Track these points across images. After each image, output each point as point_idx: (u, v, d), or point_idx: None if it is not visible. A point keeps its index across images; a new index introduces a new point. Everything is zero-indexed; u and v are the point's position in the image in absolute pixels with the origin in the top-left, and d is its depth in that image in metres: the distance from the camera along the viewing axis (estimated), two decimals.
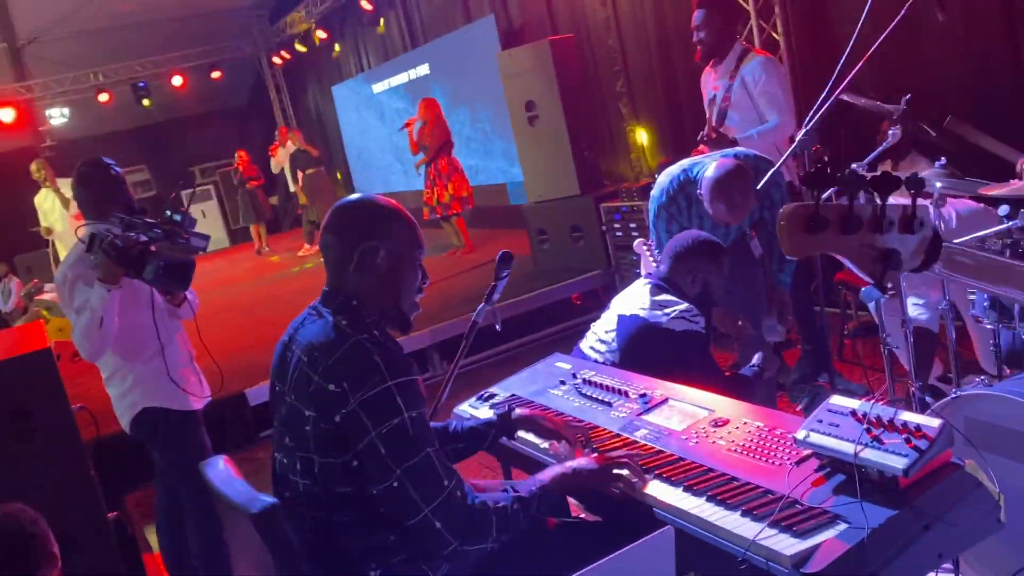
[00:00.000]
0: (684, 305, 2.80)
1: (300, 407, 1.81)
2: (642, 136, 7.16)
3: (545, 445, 2.26)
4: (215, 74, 14.21)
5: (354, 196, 1.99)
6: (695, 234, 2.97)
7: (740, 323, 3.27)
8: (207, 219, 15.77)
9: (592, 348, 2.98)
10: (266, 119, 15.90)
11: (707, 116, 4.59)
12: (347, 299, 1.88)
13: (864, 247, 1.11)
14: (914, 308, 3.43)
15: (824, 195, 1.11)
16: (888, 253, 1.12)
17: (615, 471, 1.95)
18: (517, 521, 1.84)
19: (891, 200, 1.15)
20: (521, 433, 2.30)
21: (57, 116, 13.71)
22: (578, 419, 2.35)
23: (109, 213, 3.14)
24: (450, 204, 8.41)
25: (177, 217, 3.19)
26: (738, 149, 3.56)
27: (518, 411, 2.29)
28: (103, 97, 13.13)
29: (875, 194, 1.11)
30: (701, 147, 4.38)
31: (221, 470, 1.91)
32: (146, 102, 13.51)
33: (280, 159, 11.33)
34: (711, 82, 4.52)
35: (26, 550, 1.95)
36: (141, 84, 13.38)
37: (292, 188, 11.50)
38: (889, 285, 1.15)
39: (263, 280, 10.57)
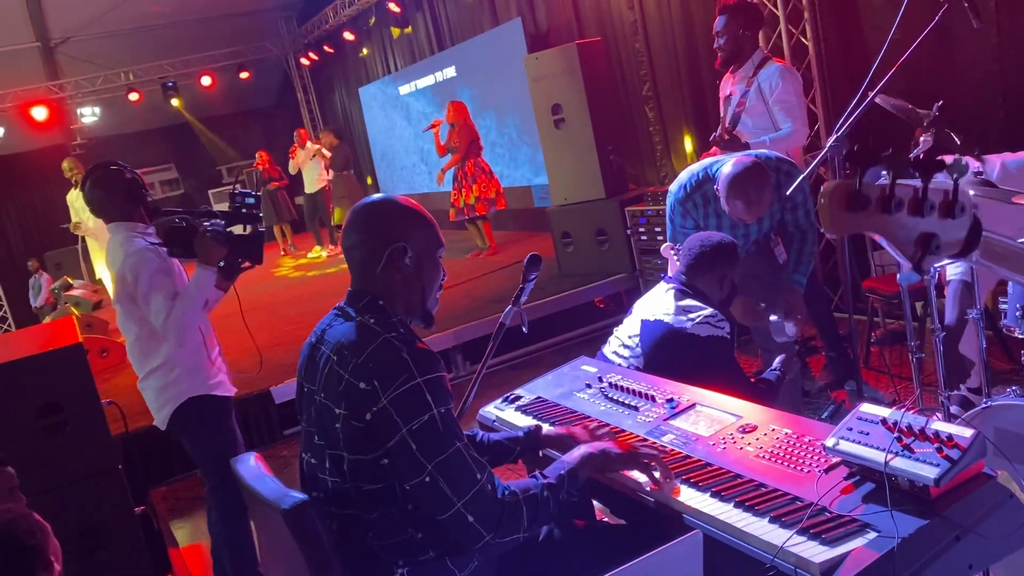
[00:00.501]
0: (709, 310, 2.79)
1: (331, 405, 1.83)
2: (682, 143, 7.13)
3: None
4: (243, 74, 14.35)
5: (376, 197, 2.01)
6: (715, 237, 2.95)
7: (761, 307, 3.24)
8: None
9: (615, 353, 2.98)
10: (293, 119, 16.02)
11: (721, 118, 4.59)
12: (374, 299, 1.91)
13: (903, 229, 1.09)
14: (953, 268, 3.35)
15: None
16: (928, 237, 1.10)
17: (645, 461, 1.95)
18: (548, 508, 1.85)
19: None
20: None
21: (88, 115, 13.89)
22: (604, 423, 2.35)
23: (135, 213, 3.29)
24: (475, 206, 8.44)
25: (251, 200, 3.42)
26: (760, 151, 3.56)
27: (547, 429, 2.29)
28: (133, 96, 13.29)
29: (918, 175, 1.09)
30: (713, 149, 4.39)
31: (252, 467, 1.94)
32: (175, 101, 13.66)
33: (299, 160, 11.33)
34: (729, 86, 4.53)
35: (19, 562, 1.90)
36: (170, 83, 13.53)
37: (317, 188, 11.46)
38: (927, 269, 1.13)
39: (287, 280, 10.65)
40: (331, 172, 10.93)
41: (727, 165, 3.22)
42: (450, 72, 10.93)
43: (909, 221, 1.10)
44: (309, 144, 11.23)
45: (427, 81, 11.55)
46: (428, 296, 2.00)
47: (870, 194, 1.08)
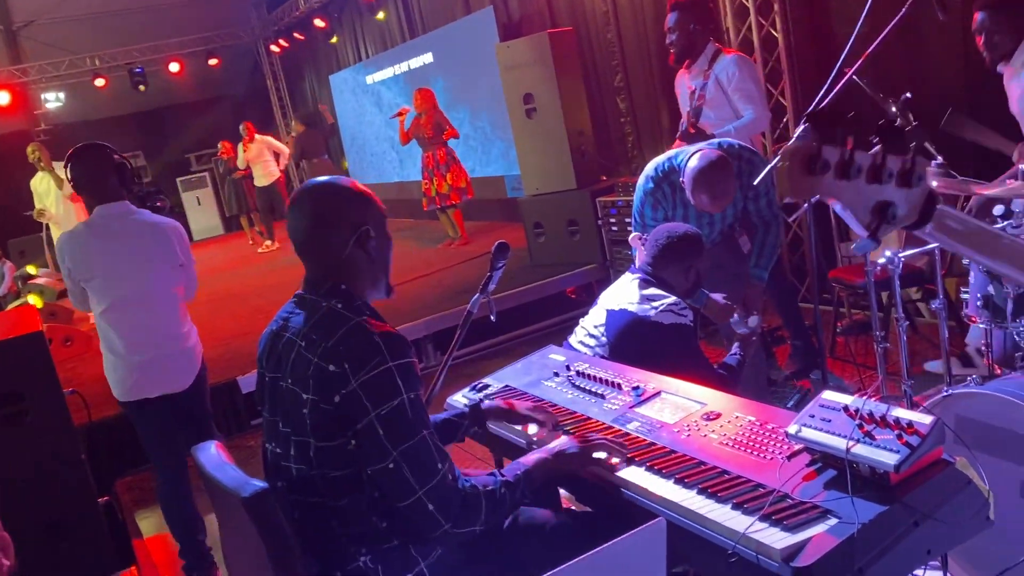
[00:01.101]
0: (672, 299, 2.81)
1: (298, 390, 1.82)
2: (653, 134, 7.14)
3: (520, 429, 2.30)
4: (212, 61, 14.17)
5: (321, 181, 1.96)
6: (681, 228, 2.97)
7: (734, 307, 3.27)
8: (202, 206, 15.74)
9: (581, 343, 2.98)
10: (263, 107, 15.86)
11: (683, 114, 4.63)
12: (336, 284, 1.89)
13: (861, 196, 1.10)
14: None
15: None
16: (885, 205, 1.10)
17: (595, 454, 1.98)
18: (504, 505, 1.86)
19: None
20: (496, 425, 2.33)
21: (53, 100, 13.66)
22: (570, 410, 2.35)
23: (123, 194, 3.41)
24: (449, 195, 8.39)
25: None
26: (723, 140, 3.58)
27: (487, 402, 2.33)
28: (99, 82, 13.08)
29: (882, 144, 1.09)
30: (678, 142, 4.42)
31: (213, 455, 1.91)
32: (142, 87, 13.45)
33: (250, 155, 11.07)
34: (686, 82, 4.57)
35: None
36: (138, 70, 13.33)
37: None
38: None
39: (256, 268, 10.55)
40: (303, 161, 10.77)
41: (692, 158, 3.24)
42: (419, 62, 10.86)
43: (867, 188, 1.10)
44: (258, 137, 11.03)
45: (399, 69, 11.48)
46: (388, 270, 2.01)
47: (830, 159, 1.08)
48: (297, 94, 15.55)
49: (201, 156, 15.99)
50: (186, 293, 3.53)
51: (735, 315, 3.03)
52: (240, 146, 11.11)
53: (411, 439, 1.76)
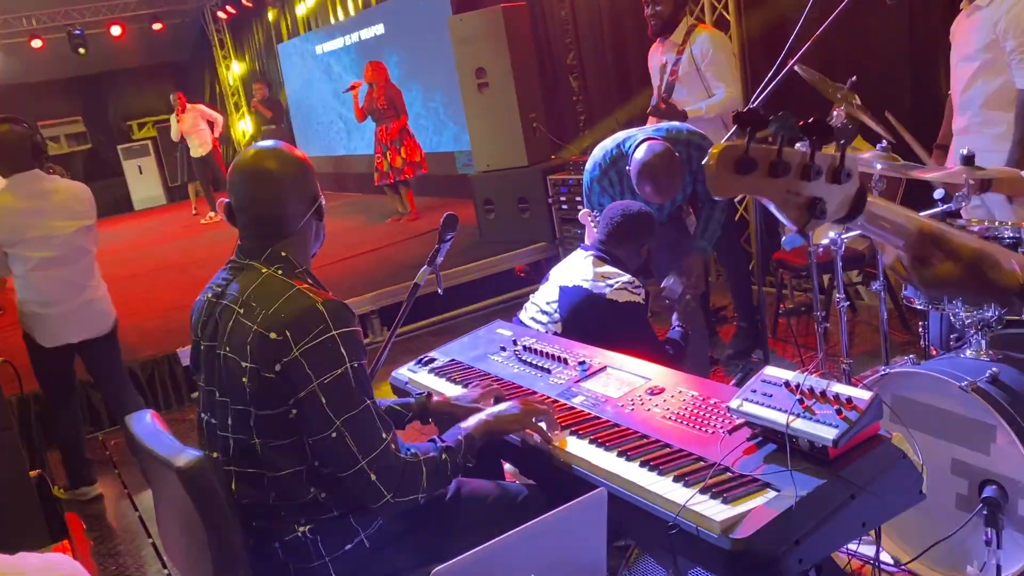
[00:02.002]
0: (627, 277, 2.82)
1: (236, 359, 1.78)
2: (605, 113, 7.14)
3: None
4: (157, 26, 13.75)
5: (275, 148, 1.89)
6: (634, 207, 2.98)
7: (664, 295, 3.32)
8: (144, 175, 15.32)
9: (533, 319, 2.98)
10: (210, 75, 15.48)
11: (655, 88, 4.62)
12: (276, 250, 1.85)
13: (790, 193, 1.10)
14: None
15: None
16: (814, 201, 1.11)
17: (535, 419, 1.98)
18: (445, 471, 1.85)
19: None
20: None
21: None
22: (516, 385, 2.34)
23: (34, 164, 3.77)
24: (403, 168, 8.28)
25: None
26: (672, 124, 3.59)
27: (436, 399, 2.26)
28: (36, 43, 12.61)
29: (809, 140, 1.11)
30: (650, 118, 4.42)
31: (148, 424, 1.86)
32: (82, 51, 13.00)
33: (185, 127, 10.73)
34: (658, 56, 4.56)
35: None
36: (77, 32, 12.87)
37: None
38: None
39: (200, 239, 10.34)
40: (263, 128, 10.52)
41: (639, 149, 3.24)
42: (369, 33, 10.67)
43: (796, 185, 1.11)
44: (189, 106, 10.78)
45: (350, 39, 11.28)
46: (322, 235, 2.00)
47: (757, 158, 1.08)
48: (244, 62, 15.20)
49: (144, 124, 15.57)
50: (95, 248, 4.03)
51: (670, 280, 3.08)
52: (173, 117, 10.85)
53: (354, 408, 1.73)
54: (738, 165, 1.08)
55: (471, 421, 1.98)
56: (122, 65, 14.88)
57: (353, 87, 8.43)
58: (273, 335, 1.72)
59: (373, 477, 1.73)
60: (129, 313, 6.79)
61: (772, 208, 1.12)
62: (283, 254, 1.85)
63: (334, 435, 1.72)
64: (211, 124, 10.85)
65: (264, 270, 1.83)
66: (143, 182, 15.33)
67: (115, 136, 15.34)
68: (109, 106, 15.32)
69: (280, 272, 1.82)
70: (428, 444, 1.87)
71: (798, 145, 1.12)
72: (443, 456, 1.84)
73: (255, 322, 1.75)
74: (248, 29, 14.50)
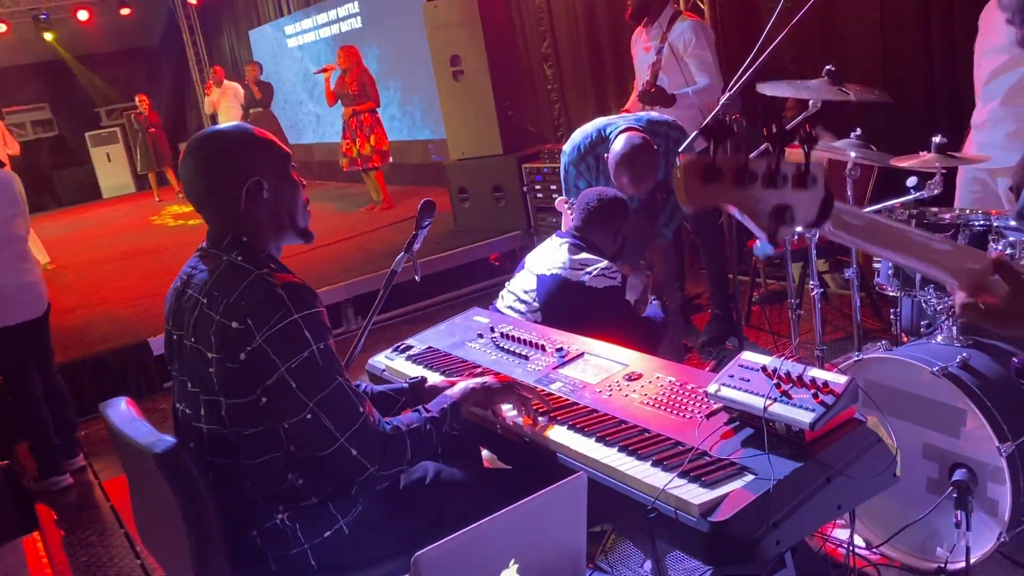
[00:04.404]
0: (604, 263, 2.83)
1: (202, 349, 1.76)
2: (580, 102, 7.13)
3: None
4: (125, 11, 13.54)
5: (205, 134, 1.87)
6: (609, 192, 2.99)
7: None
8: (113, 163, 15.10)
9: (511, 308, 2.98)
10: (179, 61, 15.26)
11: (638, 74, 4.63)
12: (237, 236, 1.83)
13: (758, 201, 1.12)
14: None
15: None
16: (782, 209, 1.13)
17: (521, 392, 2.01)
18: (431, 440, 1.85)
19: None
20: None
21: None
22: (494, 372, 2.34)
23: None
24: (371, 156, 8.23)
25: None
26: (652, 115, 3.60)
27: (432, 381, 2.25)
28: (0, 28, 12.36)
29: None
30: (635, 103, 4.43)
31: (123, 411, 1.84)
32: (48, 36, 12.77)
33: (214, 99, 10.80)
34: (642, 42, 4.57)
35: None
36: (43, 16, 12.64)
37: None
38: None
39: (167, 227, 10.22)
40: (251, 110, 10.44)
41: (618, 140, 3.24)
42: (346, 15, 10.58)
43: (763, 193, 1.12)
44: (226, 83, 10.73)
45: (323, 26, 11.16)
46: (296, 215, 1.90)
47: (724, 167, 1.10)
48: (215, 49, 15.00)
49: (112, 111, 15.33)
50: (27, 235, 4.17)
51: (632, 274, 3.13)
52: (212, 93, 10.89)
53: (326, 388, 1.72)
54: (704, 174, 1.09)
55: (456, 389, 1.99)
56: (90, 50, 14.63)
57: (325, 70, 8.36)
58: (235, 324, 1.70)
59: (354, 452, 1.73)
60: (99, 301, 6.72)
61: (740, 217, 1.14)
62: (244, 239, 1.83)
63: (309, 417, 1.71)
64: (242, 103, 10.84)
65: (225, 258, 1.81)
66: (111, 170, 15.12)
67: (83, 123, 15.09)
68: (76, 93, 15.06)
69: (240, 259, 1.79)
70: (413, 414, 1.88)
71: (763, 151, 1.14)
72: (428, 426, 1.85)
73: (217, 312, 1.73)
74: (218, 15, 14.31)
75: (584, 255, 2.86)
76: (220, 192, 1.81)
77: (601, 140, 3.46)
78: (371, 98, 8.15)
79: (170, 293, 1.93)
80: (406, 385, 2.22)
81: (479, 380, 2.03)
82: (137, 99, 12.01)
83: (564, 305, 2.80)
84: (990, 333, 2.54)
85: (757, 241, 1.14)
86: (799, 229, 1.17)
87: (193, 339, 1.79)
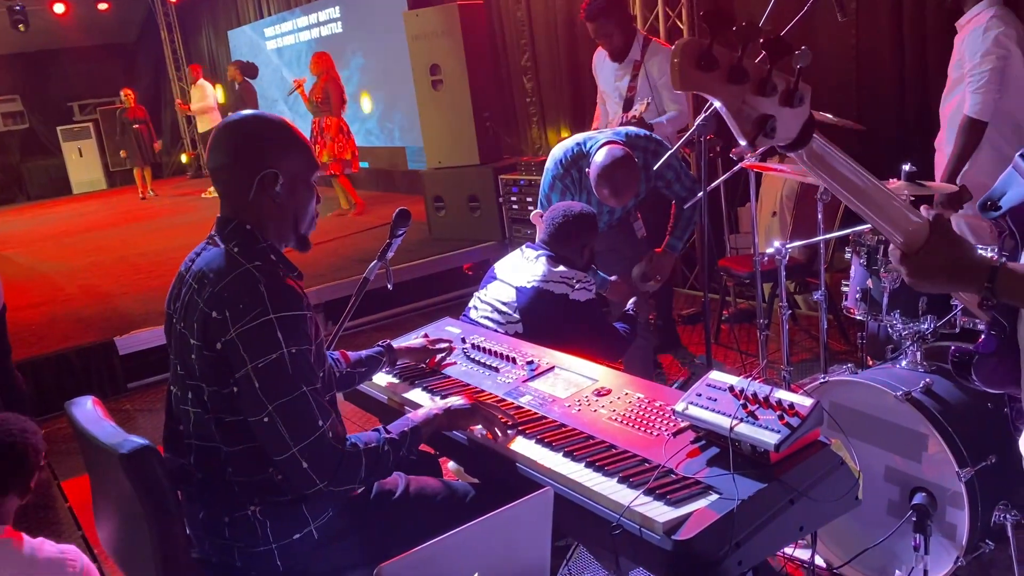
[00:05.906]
0: (583, 275, 2.88)
1: (187, 334, 1.77)
2: (557, 115, 7.17)
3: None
4: (102, 6, 13.40)
5: (244, 115, 1.89)
6: (576, 207, 3.03)
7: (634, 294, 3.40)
8: (84, 158, 14.92)
9: (487, 318, 2.98)
10: (155, 58, 15.12)
11: (604, 93, 4.66)
12: (241, 224, 1.82)
13: (744, 103, 1.13)
14: None
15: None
16: (765, 118, 1.14)
17: (485, 414, 2.00)
18: (386, 462, 1.84)
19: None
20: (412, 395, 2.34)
21: None
22: (463, 382, 2.35)
23: None
24: (328, 164, 8.23)
25: None
26: (630, 129, 3.63)
27: (399, 343, 2.52)
28: None
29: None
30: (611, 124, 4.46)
31: (89, 411, 1.82)
32: (22, 27, 12.59)
33: (202, 98, 10.78)
34: (607, 66, 4.58)
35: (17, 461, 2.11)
36: (18, 7, 12.46)
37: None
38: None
39: (140, 226, 10.10)
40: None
41: (599, 154, 3.27)
42: (326, 19, 10.54)
43: (751, 98, 1.13)
44: (200, 81, 10.72)
45: (302, 29, 11.11)
46: (302, 222, 1.91)
47: (720, 58, 1.11)
48: (193, 47, 14.89)
49: (85, 105, 15.14)
50: None
51: (638, 269, 3.22)
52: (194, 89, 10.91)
53: (288, 395, 1.70)
54: (700, 60, 1.10)
55: (420, 413, 1.98)
56: (64, 44, 14.44)
57: (297, 85, 8.41)
58: (215, 314, 1.71)
59: (305, 464, 1.71)
60: (65, 299, 6.63)
61: (725, 114, 1.15)
62: (247, 228, 1.82)
63: (266, 419, 1.70)
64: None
65: (223, 245, 1.81)
66: (83, 165, 14.93)
67: (55, 117, 14.88)
68: (49, 86, 14.85)
69: (236, 249, 1.79)
70: (372, 433, 1.86)
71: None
72: (385, 447, 1.83)
73: (203, 299, 1.74)
74: (197, 13, 14.21)
75: (563, 268, 2.89)
76: (235, 169, 1.82)
77: (582, 155, 3.48)
78: (332, 109, 8.15)
79: (177, 274, 1.93)
80: (383, 348, 2.44)
81: (443, 404, 2.02)
82: (122, 93, 11.91)
83: (546, 316, 2.82)
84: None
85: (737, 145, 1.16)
86: (779, 145, 1.18)
87: (182, 323, 1.80)
